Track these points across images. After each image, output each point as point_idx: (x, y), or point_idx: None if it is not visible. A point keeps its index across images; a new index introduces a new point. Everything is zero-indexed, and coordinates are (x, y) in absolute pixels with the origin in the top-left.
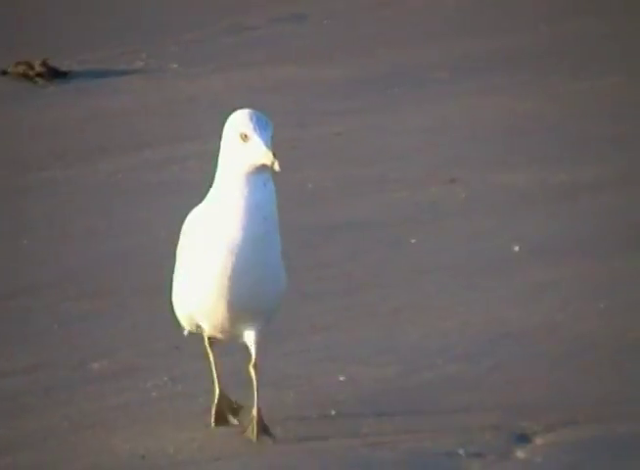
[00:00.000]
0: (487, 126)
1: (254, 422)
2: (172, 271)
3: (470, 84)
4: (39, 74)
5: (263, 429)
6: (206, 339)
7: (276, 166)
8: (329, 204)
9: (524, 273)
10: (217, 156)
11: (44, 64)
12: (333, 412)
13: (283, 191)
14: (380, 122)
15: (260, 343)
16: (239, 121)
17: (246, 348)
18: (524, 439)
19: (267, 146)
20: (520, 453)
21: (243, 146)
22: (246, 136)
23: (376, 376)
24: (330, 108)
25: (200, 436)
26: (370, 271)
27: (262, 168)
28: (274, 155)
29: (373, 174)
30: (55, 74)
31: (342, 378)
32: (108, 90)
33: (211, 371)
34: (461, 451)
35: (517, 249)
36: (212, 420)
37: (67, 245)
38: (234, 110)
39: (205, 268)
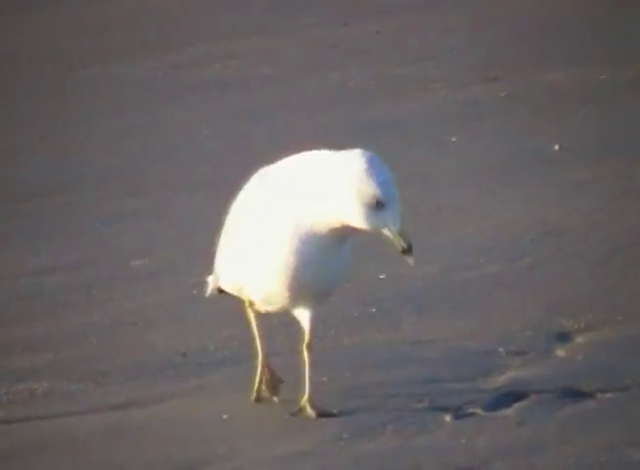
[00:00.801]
0: (529, 25)
1: (307, 412)
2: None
3: None
4: None
5: (320, 414)
6: (248, 307)
7: (410, 261)
8: (370, 103)
9: (564, 173)
10: (259, 55)
11: None
12: (373, 310)
13: (325, 90)
14: (421, 21)
15: (315, 322)
16: (374, 180)
17: (297, 324)
18: (564, 337)
19: (404, 231)
20: (560, 352)
21: (369, 209)
22: (378, 203)
23: (417, 274)
24: (371, 6)
25: (241, 333)
26: (411, 170)
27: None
28: (410, 246)
29: (414, 73)
30: None
31: (382, 276)
32: None
33: (254, 338)
34: (501, 350)
35: (557, 148)
36: (253, 396)
37: (109, 143)
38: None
39: (276, 252)
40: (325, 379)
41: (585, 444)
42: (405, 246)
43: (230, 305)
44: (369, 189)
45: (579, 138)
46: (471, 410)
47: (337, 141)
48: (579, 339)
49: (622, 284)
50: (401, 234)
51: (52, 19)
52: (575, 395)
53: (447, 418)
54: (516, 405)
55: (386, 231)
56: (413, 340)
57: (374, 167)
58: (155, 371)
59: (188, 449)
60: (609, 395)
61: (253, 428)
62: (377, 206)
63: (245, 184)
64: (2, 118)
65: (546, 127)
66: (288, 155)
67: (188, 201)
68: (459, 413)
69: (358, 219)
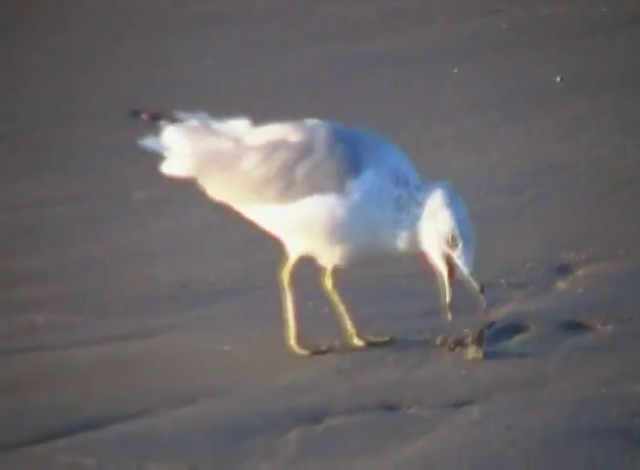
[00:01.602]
0: None
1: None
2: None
3: None
4: None
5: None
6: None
7: (483, 303)
8: (371, 35)
9: (565, 106)
10: None
11: None
12: None
13: (325, 23)
14: None
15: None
16: (455, 222)
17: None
18: (565, 270)
19: (476, 272)
20: (560, 284)
21: (445, 244)
22: (453, 240)
23: None
24: None
25: (241, 265)
26: (412, 103)
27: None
28: (482, 287)
29: (415, 6)
30: None
31: None
32: None
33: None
34: (502, 281)
35: (558, 80)
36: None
37: (110, 74)
38: None
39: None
40: (326, 310)
41: (585, 376)
42: (478, 287)
43: (232, 237)
44: (447, 225)
45: (581, 71)
46: (472, 342)
47: (338, 74)
48: (580, 272)
49: (623, 218)
50: (474, 275)
51: None
52: (576, 328)
53: (448, 350)
54: (516, 338)
55: (462, 269)
56: (413, 272)
57: (453, 204)
58: (156, 303)
59: (189, 381)
60: (609, 327)
61: (255, 360)
62: (452, 243)
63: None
64: (2, 49)
65: (547, 60)
66: (290, 88)
67: None
68: (460, 345)
69: (433, 251)
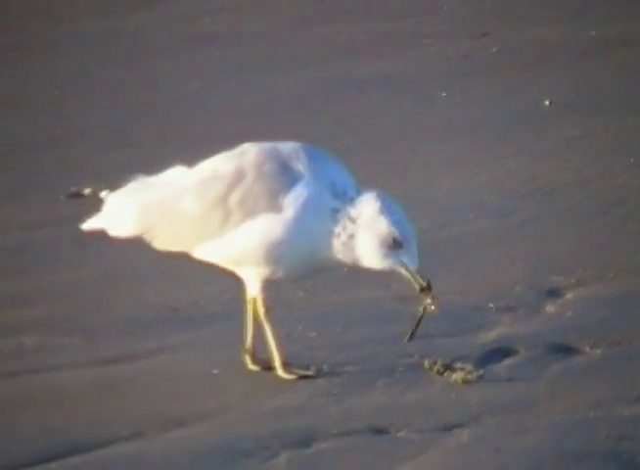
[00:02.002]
0: None
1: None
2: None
3: None
4: None
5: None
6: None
7: (434, 307)
8: (360, 58)
9: (554, 128)
10: (249, 10)
11: None
12: None
13: (313, 45)
14: None
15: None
16: (389, 221)
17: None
18: (554, 293)
19: (421, 270)
20: (550, 308)
21: (386, 249)
22: (396, 242)
23: None
24: None
25: (231, 288)
26: (401, 125)
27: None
28: (429, 284)
29: (404, 28)
30: None
31: None
32: None
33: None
34: (491, 305)
35: (547, 103)
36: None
37: (98, 97)
38: None
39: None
40: (315, 334)
41: (575, 400)
42: (424, 284)
43: None
44: (385, 230)
45: (570, 94)
46: (461, 366)
47: (326, 96)
48: (569, 295)
49: (612, 240)
50: (419, 273)
51: None
52: (565, 351)
53: (437, 374)
54: (506, 361)
55: (402, 271)
56: (402, 296)
57: (387, 207)
58: (145, 326)
59: (178, 404)
60: (598, 351)
61: (244, 383)
62: (394, 245)
63: (235, 141)
64: None
65: (537, 83)
66: (278, 111)
67: (176, 155)
68: (449, 369)
69: (375, 261)
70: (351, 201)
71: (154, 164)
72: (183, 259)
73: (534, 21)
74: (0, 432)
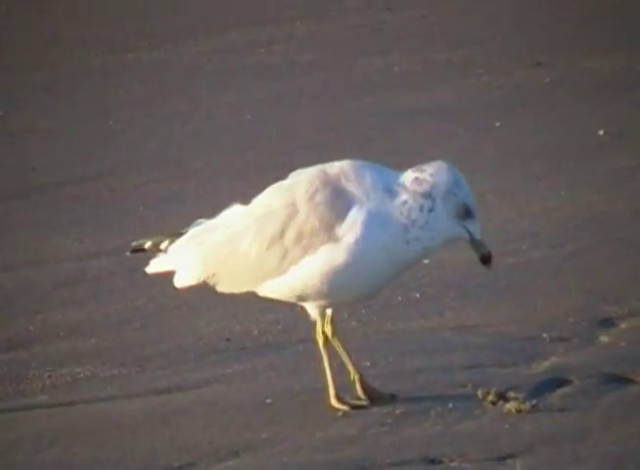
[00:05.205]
0: (573, 10)
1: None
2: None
3: None
4: None
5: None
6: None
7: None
8: (415, 87)
9: (608, 158)
10: (303, 40)
11: None
12: (417, 295)
13: (369, 75)
14: (466, 6)
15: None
16: (462, 190)
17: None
18: (607, 323)
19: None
20: (604, 338)
21: (454, 218)
22: (467, 212)
23: (460, 260)
24: None
25: (284, 318)
26: (453, 155)
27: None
28: (490, 254)
29: (458, 58)
30: None
31: (426, 261)
32: None
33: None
34: (545, 335)
35: (601, 133)
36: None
37: (152, 127)
38: None
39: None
40: (368, 364)
41: (628, 429)
42: (486, 253)
43: None
44: (460, 200)
45: (624, 124)
46: (514, 396)
47: (380, 126)
48: (623, 325)
49: None
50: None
51: (98, 3)
52: (619, 381)
53: (490, 404)
54: (559, 391)
55: (467, 239)
56: (456, 325)
57: (460, 180)
58: (198, 356)
59: (231, 434)
60: None
61: (297, 413)
62: (465, 215)
63: (289, 171)
64: (48, 103)
65: (591, 113)
66: (332, 140)
67: (231, 185)
68: (502, 399)
69: (448, 229)
70: (413, 181)
71: (209, 195)
72: None
73: (587, 51)
74: (54, 462)
